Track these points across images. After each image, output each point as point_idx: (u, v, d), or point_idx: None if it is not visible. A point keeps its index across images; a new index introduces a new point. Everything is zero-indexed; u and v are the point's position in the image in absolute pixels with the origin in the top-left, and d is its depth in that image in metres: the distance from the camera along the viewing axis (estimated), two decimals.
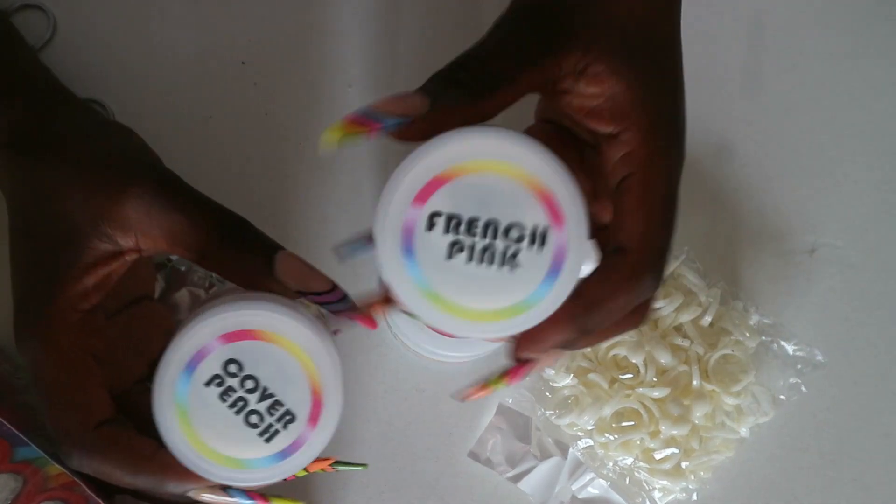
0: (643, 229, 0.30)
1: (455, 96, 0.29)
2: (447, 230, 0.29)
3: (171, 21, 0.51)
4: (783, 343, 0.50)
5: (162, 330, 0.38)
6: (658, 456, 0.47)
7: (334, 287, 0.32)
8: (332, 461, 0.35)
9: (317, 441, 0.31)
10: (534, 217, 0.29)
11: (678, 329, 0.48)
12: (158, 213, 0.32)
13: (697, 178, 0.52)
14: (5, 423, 0.37)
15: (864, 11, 0.54)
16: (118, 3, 0.51)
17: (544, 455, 0.49)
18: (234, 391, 0.30)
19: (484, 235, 0.29)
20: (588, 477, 0.48)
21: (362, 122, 0.29)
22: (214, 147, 0.50)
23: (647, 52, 0.32)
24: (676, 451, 0.47)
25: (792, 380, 0.49)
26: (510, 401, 0.49)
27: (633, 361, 0.47)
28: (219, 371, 0.30)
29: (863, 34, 0.54)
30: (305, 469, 0.32)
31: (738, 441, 0.48)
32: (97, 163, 0.34)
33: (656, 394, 0.47)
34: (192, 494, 0.32)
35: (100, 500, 0.37)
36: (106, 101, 0.49)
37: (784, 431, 0.50)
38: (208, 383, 0.30)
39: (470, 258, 0.29)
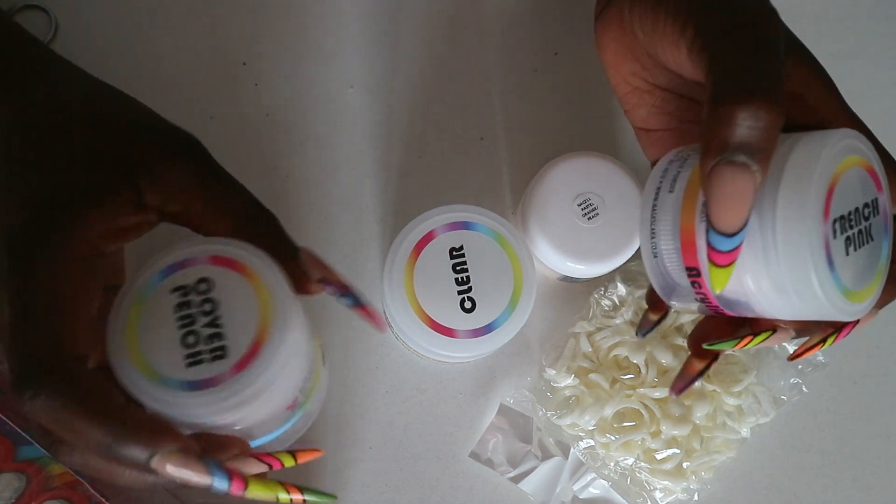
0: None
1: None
2: (842, 231, 0.31)
3: (173, 22, 0.51)
4: (784, 343, 0.50)
5: None
6: (659, 456, 0.47)
7: (349, 286, 0.33)
8: (302, 490, 0.32)
9: (234, 387, 0.29)
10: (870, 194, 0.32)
11: (679, 329, 0.48)
12: (202, 180, 0.33)
13: None
14: (8, 421, 0.37)
15: (864, 11, 0.54)
16: (119, 3, 0.51)
17: (545, 455, 0.49)
18: (190, 307, 0.30)
19: (859, 221, 0.32)
20: (589, 477, 0.48)
21: (732, 255, 0.30)
22: (216, 147, 0.50)
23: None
24: (678, 451, 0.47)
25: (793, 380, 0.49)
26: (511, 401, 0.49)
27: (635, 362, 0.47)
28: (189, 283, 0.30)
29: (863, 34, 0.54)
30: (286, 489, 0.31)
31: (739, 441, 0.48)
32: (151, 122, 0.34)
33: (657, 394, 0.47)
34: (157, 461, 0.28)
35: (102, 500, 0.37)
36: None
37: (785, 431, 0.50)
38: (174, 290, 0.30)
39: (854, 247, 0.31)
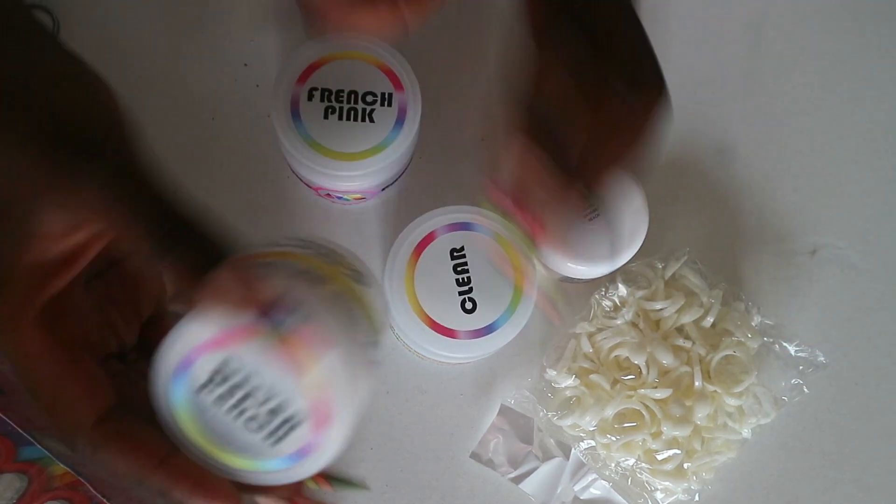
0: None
1: None
2: (322, 99, 0.44)
3: (175, 23, 0.51)
4: (785, 344, 0.50)
5: (149, 293, 0.35)
6: (660, 457, 0.47)
7: (280, 300, 0.28)
8: (333, 479, 0.33)
9: (330, 442, 0.30)
10: (382, 86, 0.44)
11: (680, 330, 0.48)
12: (104, 203, 0.28)
13: (698, 178, 0.52)
14: (10, 422, 0.37)
15: (864, 11, 0.54)
16: (120, 3, 0.51)
17: (546, 456, 0.49)
18: (228, 398, 0.29)
19: (349, 101, 0.44)
20: (590, 478, 0.48)
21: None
22: (217, 147, 0.50)
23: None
24: (678, 451, 0.47)
25: (794, 380, 0.49)
26: (512, 402, 0.49)
27: (636, 362, 0.47)
28: (206, 379, 0.29)
29: (863, 34, 0.54)
30: (314, 480, 0.31)
31: (739, 442, 0.48)
32: (52, 130, 0.29)
33: (658, 395, 0.47)
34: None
35: (103, 500, 0.37)
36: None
37: (786, 432, 0.50)
38: (200, 390, 0.29)
39: (340, 117, 0.44)
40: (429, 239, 0.43)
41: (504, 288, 0.43)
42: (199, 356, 0.29)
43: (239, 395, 0.29)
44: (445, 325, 0.43)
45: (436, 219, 0.44)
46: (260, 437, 0.29)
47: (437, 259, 0.43)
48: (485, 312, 0.43)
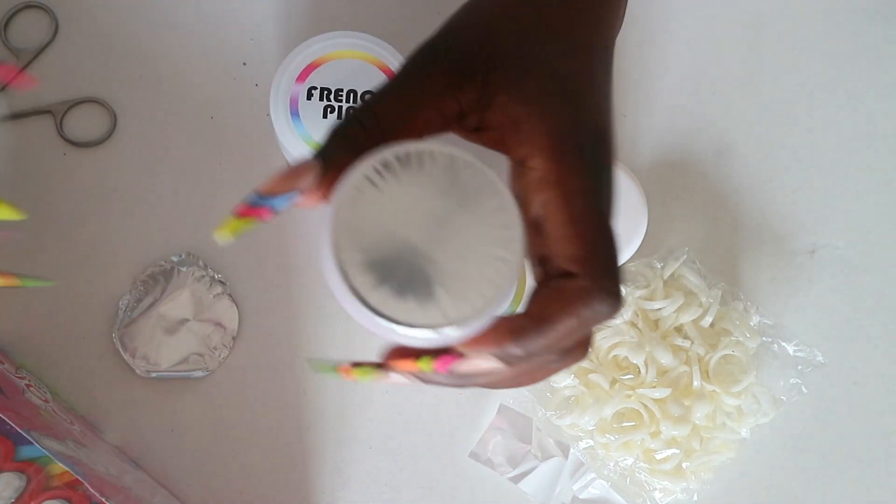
0: (581, 252, 0.28)
1: (347, 151, 0.29)
2: (321, 98, 0.44)
3: (174, 22, 0.51)
4: (784, 344, 0.50)
5: None
6: (659, 456, 0.47)
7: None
8: (17, 277, 0.32)
9: None
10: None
11: (679, 330, 0.48)
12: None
13: (697, 178, 0.52)
14: (9, 421, 0.37)
15: (864, 12, 0.54)
16: (120, 3, 0.51)
17: (545, 455, 0.49)
18: None
19: (348, 100, 0.44)
20: (589, 477, 0.49)
21: (252, 211, 0.28)
22: (216, 146, 0.50)
23: (549, 76, 0.31)
24: (677, 451, 0.47)
25: (792, 380, 0.49)
26: (511, 401, 0.49)
27: (634, 362, 0.47)
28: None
29: (863, 34, 0.54)
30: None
31: (738, 441, 0.49)
32: None
33: (657, 394, 0.47)
34: None
35: (103, 500, 0.37)
36: (107, 100, 0.50)
37: (785, 432, 0.50)
38: None
39: (339, 117, 0.43)
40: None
41: None
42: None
43: None
44: None
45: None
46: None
47: None
48: None
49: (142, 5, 0.51)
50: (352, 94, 0.44)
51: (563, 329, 0.28)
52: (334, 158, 0.29)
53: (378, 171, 0.27)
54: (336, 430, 0.49)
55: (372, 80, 0.44)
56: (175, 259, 0.48)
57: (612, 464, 0.48)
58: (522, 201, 0.30)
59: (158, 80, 0.50)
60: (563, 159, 0.29)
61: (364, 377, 0.31)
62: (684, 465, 0.48)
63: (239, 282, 0.49)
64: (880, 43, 0.54)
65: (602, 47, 0.34)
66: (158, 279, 0.48)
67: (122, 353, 0.47)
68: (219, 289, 0.48)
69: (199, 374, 0.48)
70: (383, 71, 0.44)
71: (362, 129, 0.30)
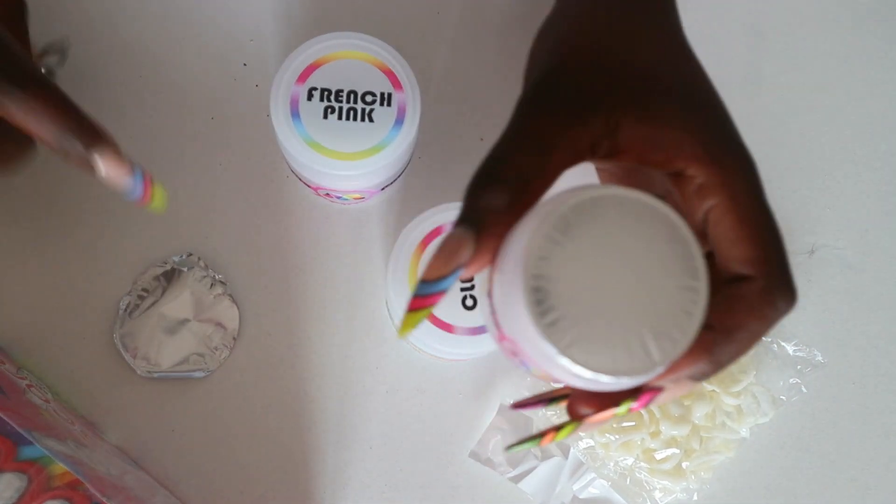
0: (756, 253, 0.29)
1: (494, 213, 0.28)
2: (321, 99, 0.43)
3: (174, 23, 0.51)
4: (783, 343, 0.50)
5: None
6: (659, 456, 0.47)
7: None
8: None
9: None
10: (381, 86, 0.43)
11: None
12: None
13: None
14: (10, 421, 0.37)
15: (863, 12, 0.54)
16: (120, 4, 0.51)
17: (545, 455, 0.49)
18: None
19: (348, 101, 0.43)
20: (589, 477, 0.49)
21: (424, 301, 0.28)
22: (216, 147, 0.50)
23: (671, 85, 0.31)
24: (677, 451, 0.47)
25: (792, 380, 0.49)
26: (511, 401, 0.49)
27: None
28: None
29: (863, 34, 0.54)
30: None
31: (738, 441, 0.49)
32: None
33: None
34: (97, 153, 0.33)
35: (103, 500, 0.37)
36: (107, 100, 0.50)
37: (784, 432, 0.51)
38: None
39: (339, 117, 0.43)
40: (436, 233, 0.44)
41: None
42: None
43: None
44: (444, 320, 0.43)
45: (445, 213, 0.44)
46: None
47: None
48: None
49: (142, 6, 0.51)
50: (352, 95, 0.44)
51: (753, 334, 0.29)
52: (487, 222, 0.28)
53: (558, 229, 0.26)
54: (336, 431, 0.49)
55: (372, 81, 0.44)
56: (176, 259, 0.48)
57: (612, 463, 0.48)
58: (683, 209, 0.30)
59: (158, 81, 0.50)
60: (720, 162, 0.30)
61: (565, 436, 0.31)
62: (684, 464, 0.48)
63: (239, 282, 0.49)
64: (880, 43, 0.54)
65: (676, 29, 0.34)
66: (159, 279, 0.48)
67: (123, 354, 0.47)
68: (219, 289, 0.48)
69: (200, 374, 0.48)
70: (383, 71, 0.44)
71: (504, 185, 0.29)
